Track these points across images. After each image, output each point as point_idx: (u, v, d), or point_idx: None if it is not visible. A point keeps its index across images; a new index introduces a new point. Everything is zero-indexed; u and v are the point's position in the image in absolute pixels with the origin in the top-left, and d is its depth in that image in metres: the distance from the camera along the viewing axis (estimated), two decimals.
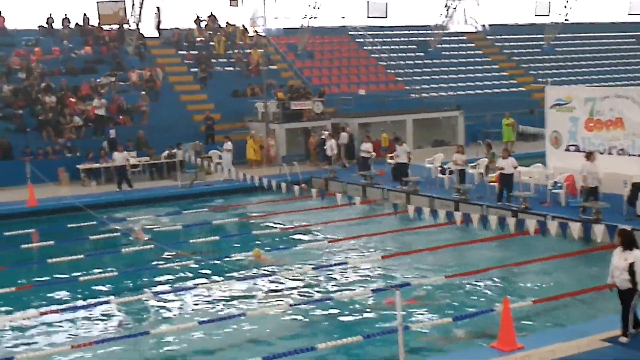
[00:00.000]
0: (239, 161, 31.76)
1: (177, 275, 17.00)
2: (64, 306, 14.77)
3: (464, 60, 46.49)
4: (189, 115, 35.37)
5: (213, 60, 39.79)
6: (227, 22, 42.83)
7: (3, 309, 14.84)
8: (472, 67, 45.82)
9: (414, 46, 46.67)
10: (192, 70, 38.74)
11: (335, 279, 16.27)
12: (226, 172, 26.80)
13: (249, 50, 40.99)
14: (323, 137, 31.55)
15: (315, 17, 42.48)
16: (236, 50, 40.94)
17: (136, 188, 28.02)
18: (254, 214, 24.16)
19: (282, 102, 34.32)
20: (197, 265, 17.52)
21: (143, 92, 34.60)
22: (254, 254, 17.81)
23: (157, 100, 35.29)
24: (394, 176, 26.49)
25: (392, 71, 43.39)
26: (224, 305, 14.62)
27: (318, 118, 34.41)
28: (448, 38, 47.51)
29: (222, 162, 29.26)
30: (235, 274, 16.63)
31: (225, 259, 17.72)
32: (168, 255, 18.36)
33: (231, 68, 39.89)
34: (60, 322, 13.93)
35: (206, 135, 33.19)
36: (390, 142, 31.08)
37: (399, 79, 42.91)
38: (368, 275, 16.55)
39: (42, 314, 14.20)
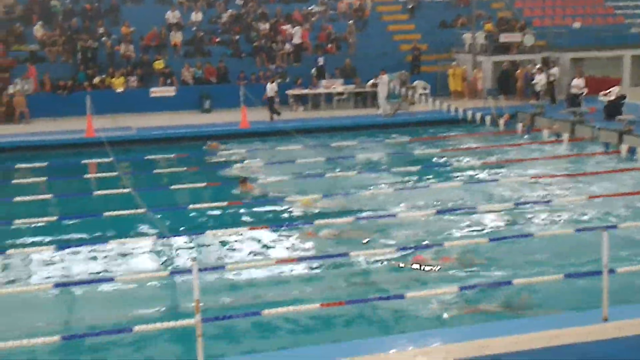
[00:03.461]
0: (442, 93, 31.58)
1: None
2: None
3: None
4: (396, 45, 35.42)
5: None
6: None
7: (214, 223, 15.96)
8: None
9: None
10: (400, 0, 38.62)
11: (537, 217, 15.92)
12: (382, 107, 26.82)
13: None
14: (533, 71, 30.49)
15: None
16: None
17: (340, 115, 28.76)
18: (456, 146, 24.02)
19: (491, 34, 33.42)
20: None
21: (351, 22, 35.06)
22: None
23: (365, 30, 35.65)
24: (606, 114, 25.22)
25: (612, 3, 40.69)
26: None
27: (527, 51, 33.23)
28: None
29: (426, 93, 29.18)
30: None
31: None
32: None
33: None
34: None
35: (412, 65, 33.16)
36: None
37: (618, 11, 40.18)
38: (573, 215, 16.01)
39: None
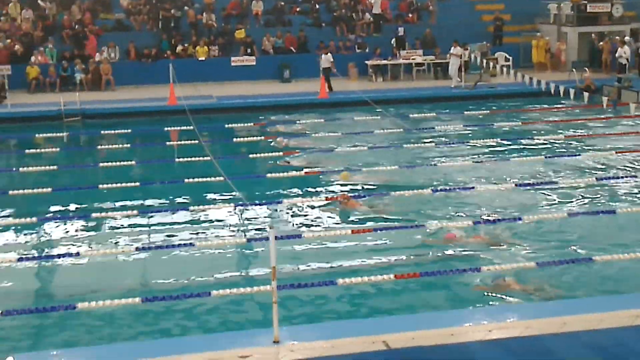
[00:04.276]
0: (524, 65, 30.90)
1: None
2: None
3: None
4: (477, 15, 34.75)
5: None
6: None
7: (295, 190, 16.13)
8: None
9: None
10: None
11: (620, 193, 15.51)
12: (454, 79, 26.37)
13: None
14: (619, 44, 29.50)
15: None
16: None
17: (419, 86, 28.53)
18: (538, 120, 23.53)
19: (577, 4, 32.42)
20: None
21: None
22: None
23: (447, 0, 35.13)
24: None
25: None
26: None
27: (616, 22, 32.13)
28: None
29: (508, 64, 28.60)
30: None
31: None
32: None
33: None
34: None
35: (494, 36, 32.51)
36: None
37: None
38: None
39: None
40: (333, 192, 15.67)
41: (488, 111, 24.70)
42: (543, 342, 8.10)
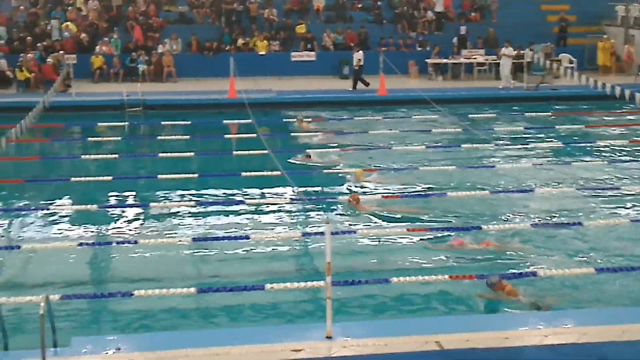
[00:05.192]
0: (589, 67, 30.30)
1: None
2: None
3: None
4: (542, 15, 34.20)
5: None
6: None
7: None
8: None
9: None
10: None
11: None
12: (504, 80, 26.12)
13: None
14: None
15: None
16: None
17: (479, 86, 28.22)
18: (601, 123, 23.06)
19: None
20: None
21: None
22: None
23: None
24: None
25: None
26: None
27: None
28: None
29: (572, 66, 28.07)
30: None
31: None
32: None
33: None
34: None
35: (558, 37, 31.94)
36: None
37: None
38: None
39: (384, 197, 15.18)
40: (388, 190, 15.59)
41: (550, 113, 24.30)
42: (601, 350, 7.92)
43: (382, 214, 13.81)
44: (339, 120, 23.35)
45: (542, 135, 21.05)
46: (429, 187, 15.52)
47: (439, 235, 12.58)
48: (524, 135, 21.17)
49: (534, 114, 24.29)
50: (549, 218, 13.59)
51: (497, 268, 11.07)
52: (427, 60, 30.36)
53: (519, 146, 19.58)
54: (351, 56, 28.32)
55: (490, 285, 9.98)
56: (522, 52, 28.82)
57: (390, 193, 15.19)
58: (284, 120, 22.62)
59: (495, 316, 9.45)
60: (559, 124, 22.74)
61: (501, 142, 20.08)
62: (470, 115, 23.43)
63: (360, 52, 27.87)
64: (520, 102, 26.29)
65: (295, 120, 22.48)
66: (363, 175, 16.18)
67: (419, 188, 15.57)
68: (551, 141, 20.22)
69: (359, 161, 17.77)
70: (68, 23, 30.60)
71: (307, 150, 18.33)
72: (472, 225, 12.82)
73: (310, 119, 22.63)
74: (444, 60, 30.38)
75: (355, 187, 15.66)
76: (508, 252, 11.88)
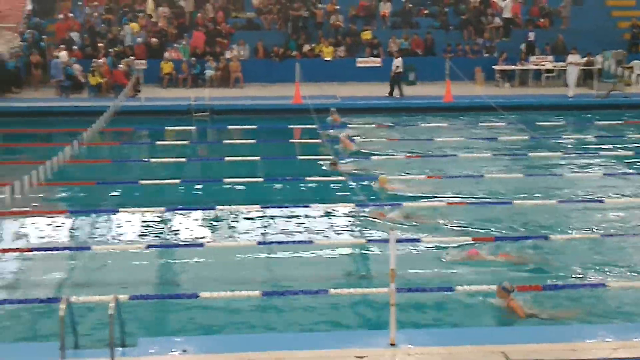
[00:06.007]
0: None
1: None
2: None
3: None
4: (614, 21, 33.45)
5: None
6: None
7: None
8: None
9: None
10: None
11: None
12: (571, 88, 25.36)
13: None
14: None
15: None
16: None
17: (548, 93, 27.75)
18: None
19: None
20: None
21: None
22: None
23: (581, 4, 33.97)
24: None
25: None
26: None
27: None
28: None
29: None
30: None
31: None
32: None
33: None
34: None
35: (630, 44, 31.21)
36: None
37: None
38: None
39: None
40: (459, 194, 15.42)
41: (621, 122, 23.76)
42: None
43: (443, 224, 13.68)
44: (403, 126, 23.27)
45: (612, 145, 20.57)
46: (489, 195, 15.30)
47: (503, 244, 12.39)
48: (592, 143, 20.73)
49: (604, 122, 23.78)
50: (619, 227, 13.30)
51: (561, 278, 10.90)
52: (494, 66, 30.03)
53: (588, 154, 19.19)
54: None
55: (503, 289, 9.77)
56: (592, 58, 28.28)
57: (455, 201, 15.02)
58: (348, 126, 22.61)
59: (562, 327, 9.27)
60: (630, 132, 22.19)
61: (569, 150, 19.72)
62: (537, 123, 23.06)
63: (400, 58, 27.69)
64: (590, 110, 25.76)
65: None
66: (387, 182, 15.96)
67: (480, 195, 15.39)
68: (621, 150, 19.75)
69: (421, 169, 17.62)
70: (139, 28, 31.27)
71: (332, 158, 17.98)
72: (537, 235, 12.61)
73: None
74: (512, 67, 29.99)
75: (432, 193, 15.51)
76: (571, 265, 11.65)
